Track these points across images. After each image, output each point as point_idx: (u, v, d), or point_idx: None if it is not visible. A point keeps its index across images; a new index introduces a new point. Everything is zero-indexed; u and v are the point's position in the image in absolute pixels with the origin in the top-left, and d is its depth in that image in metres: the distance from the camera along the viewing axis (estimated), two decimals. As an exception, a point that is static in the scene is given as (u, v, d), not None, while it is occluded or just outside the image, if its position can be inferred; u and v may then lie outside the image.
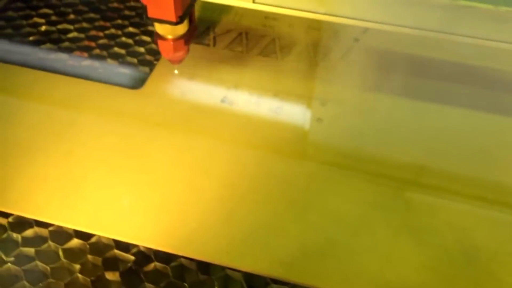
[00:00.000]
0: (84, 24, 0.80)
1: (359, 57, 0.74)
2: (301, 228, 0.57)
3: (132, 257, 0.55)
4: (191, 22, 0.68)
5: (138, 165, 0.62)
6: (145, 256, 0.55)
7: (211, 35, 0.78)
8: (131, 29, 0.80)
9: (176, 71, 0.71)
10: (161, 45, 0.67)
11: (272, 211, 0.58)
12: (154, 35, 0.67)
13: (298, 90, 0.71)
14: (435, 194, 0.60)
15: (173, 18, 0.62)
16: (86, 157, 0.62)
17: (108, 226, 0.57)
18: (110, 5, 0.84)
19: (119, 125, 0.66)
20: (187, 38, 0.67)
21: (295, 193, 0.60)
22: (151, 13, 0.62)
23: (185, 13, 0.64)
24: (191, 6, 0.66)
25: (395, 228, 0.57)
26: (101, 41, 0.78)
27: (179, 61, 0.70)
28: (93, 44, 0.77)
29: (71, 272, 0.54)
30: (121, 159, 0.62)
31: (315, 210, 0.58)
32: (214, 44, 0.77)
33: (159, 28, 0.66)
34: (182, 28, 0.66)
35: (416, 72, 0.73)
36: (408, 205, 0.59)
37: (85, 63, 0.75)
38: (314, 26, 0.78)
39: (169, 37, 0.66)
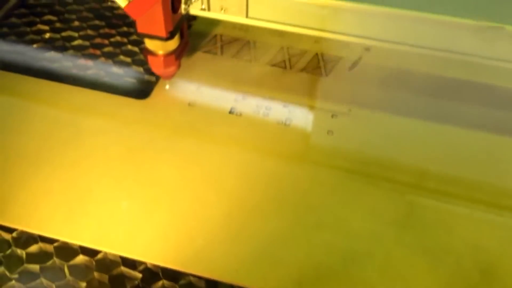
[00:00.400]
0: (89, 32, 0.79)
1: (370, 68, 0.73)
2: (314, 244, 0.56)
3: (140, 275, 0.54)
4: (182, 36, 0.66)
5: (145, 178, 0.60)
6: (152, 273, 0.54)
7: (218, 44, 0.77)
8: (136, 36, 0.78)
9: (167, 86, 0.69)
10: (151, 61, 0.65)
11: (283, 227, 0.57)
12: (143, 50, 0.65)
13: (308, 101, 0.69)
14: (450, 209, 0.59)
15: (164, 34, 0.60)
16: (92, 169, 0.61)
17: (114, 242, 0.55)
18: (115, 11, 0.83)
19: (125, 137, 0.64)
20: (178, 53, 0.66)
21: (307, 207, 0.58)
22: (141, 28, 0.61)
23: (176, 28, 0.62)
24: (182, 20, 0.64)
25: (409, 246, 0.56)
26: (106, 49, 0.77)
27: (170, 77, 0.69)
28: (98, 52, 0.76)
29: (77, 289, 0.53)
30: (127, 171, 0.61)
31: (328, 225, 0.57)
32: (222, 52, 0.76)
33: (149, 43, 0.64)
34: (173, 44, 0.64)
35: (427, 87, 0.71)
36: (422, 221, 0.57)
37: (90, 71, 0.73)
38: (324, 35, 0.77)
39: (160, 52, 0.64)
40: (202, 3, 0.63)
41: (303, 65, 0.74)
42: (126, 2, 0.57)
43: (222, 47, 0.77)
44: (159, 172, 0.61)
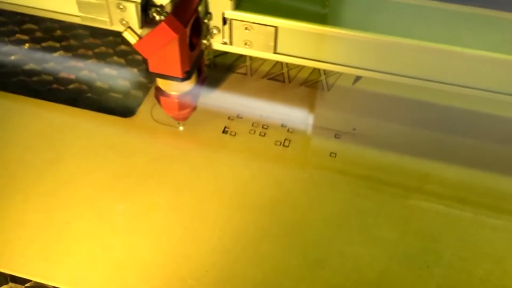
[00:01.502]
0: (72, 42, 0.73)
1: (377, 81, 0.67)
2: (317, 283, 0.50)
3: (121, 321, 0.48)
4: (200, 73, 0.59)
5: (130, 209, 0.55)
6: (136, 319, 0.48)
7: (211, 55, 0.71)
8: (123, 47, 0.73)
9: (181, 128, 0.62)
10: (164, 102, 0.58)
11: (282, 263, 0.51)
12: (155, 89, 0.58)
13: (309, 119, 0.64)
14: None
15: (179, 74, 0.53)
16: (71, 199, 0.55)
17: (94, 284, 0.49)
18: (101, 19, 0.77)
19: (108, 161, 0.59)
20: (196, 93, 0.58)
21: (307, 239, 0.53)
22: (153, 67, 0.53)
23: (193, 67, 0.55)
24: (200, 57, 0.56)
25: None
26: (90, 61, 0.71)
27: (185, 119, 0.61)
28: (81, 64, 0.70)
29: (51, 338, 0.47)
30: (110, 201, 0.55)
31: (332, 260, 0.51)
32: (215, 65, 0.70)
33: (161, 83, 0.56)
34: (189, 84, 0.56)
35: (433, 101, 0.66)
36: (437, 258, 0.52)
37: (72, 86, 0.67)
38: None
39: (173, 93, 0.57)
40: (223, 37, 0.54)
41: (303, 79, 0.69)
42: (137, 39, 0.49)
43: (214, 58, 0.71)
44: (146, 202, 0.55)
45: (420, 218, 0.55)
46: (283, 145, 0.61)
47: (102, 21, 0.55)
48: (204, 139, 0.61)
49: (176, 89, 0.56)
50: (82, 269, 0.50)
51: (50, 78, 0.68)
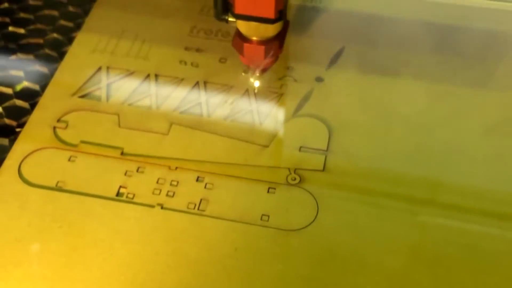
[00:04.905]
0: None
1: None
2: None
3: None
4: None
5: None
6: None
7: (104, 82, 0.53)
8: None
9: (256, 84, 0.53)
10: (248, 50, 0.50)
11: None
12: (234, 37, 0.50)
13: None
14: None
15: (272, 14, 0.46)
16: None
17: None
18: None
19: None
20: (281, 39, 0.50)
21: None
22: (241, 8, 0.46)
23: (285, 5, 0.48)
24: None
25: None
26: None
27: (266, 70, 0.52)
28: None
29: None
30: None
31: None
32: (108, 97, 0.52)
33: (244, 28, 0.48)
34: (277, 27, 0.48)
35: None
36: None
37: None
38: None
39: (254, 38, 0.49)
40: None
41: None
42: None
43: (109, 87, 0.53)
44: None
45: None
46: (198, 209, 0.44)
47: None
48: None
49: (262, 33, 0.49)
50: None
51: None
